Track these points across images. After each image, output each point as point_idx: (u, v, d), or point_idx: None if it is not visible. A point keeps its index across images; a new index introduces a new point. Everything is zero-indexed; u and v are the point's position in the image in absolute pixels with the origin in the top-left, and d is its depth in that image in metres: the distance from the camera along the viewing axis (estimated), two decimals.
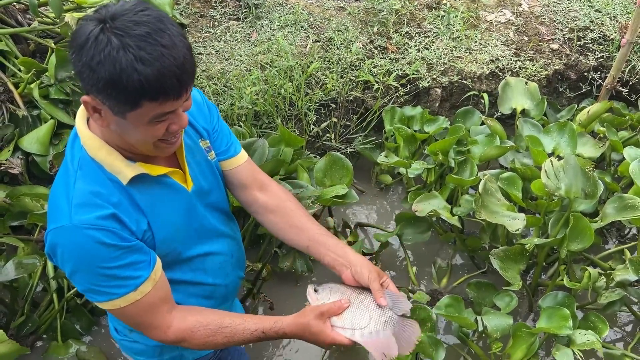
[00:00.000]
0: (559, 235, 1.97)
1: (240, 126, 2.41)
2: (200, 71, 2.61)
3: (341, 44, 2.77)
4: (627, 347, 2.02)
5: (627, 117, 2.60)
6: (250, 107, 2.37)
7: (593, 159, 2.41)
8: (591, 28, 3.05)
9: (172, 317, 1.16)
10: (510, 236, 2.16)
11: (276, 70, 2.50)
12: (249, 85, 2.40)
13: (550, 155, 2.37)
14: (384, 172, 2.69)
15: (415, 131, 2.61)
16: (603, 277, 1.93)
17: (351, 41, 2.79)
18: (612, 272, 1.91)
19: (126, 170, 1.10)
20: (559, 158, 2.07)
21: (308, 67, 2.60)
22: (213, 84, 2.53)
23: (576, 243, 1.95)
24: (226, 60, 2.67)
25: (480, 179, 1.97)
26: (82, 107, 1.12)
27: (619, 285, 1.94)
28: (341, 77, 2.62)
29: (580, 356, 1.67)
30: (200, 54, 2.71)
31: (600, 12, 3.11)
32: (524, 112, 2.74)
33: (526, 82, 2.70)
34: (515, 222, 1.83)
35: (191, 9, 2.93)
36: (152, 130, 1.04)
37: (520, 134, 2.52)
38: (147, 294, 1.11)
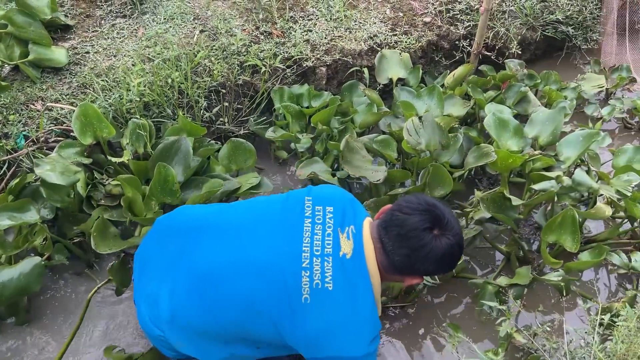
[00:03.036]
0: None
1: (137, 118, 2.48)
2: (89, 69, 2.67)
3: (227, 31, 2.91)
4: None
5: (488, 78, 2.91)
6: (138, 99, 2.47)
7: (459, 118, 2.68)
8: (459, 0, 3.34)
9: None
10: (387, 190, 2.39)
11: (162, 61, 2.61)
12: (135, 78, 2.50)
13: None
14: (280, 149, 2.86)
15: (303, 107, 2.80)
16: (463, 217, 2.20)
17: (237, 29, 2.94)
18: (470, 211, 2.18)
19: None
20: (420, 118, 2.32)
21: (195, 56, 2.72)
22: (102, 80, 2.60)
23: (438, 189, 2.20)
24: (114, 56, 2.75)
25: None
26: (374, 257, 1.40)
27: (478, 222, 2.22)
28: (226, 63, 2.76)
29: None
30: (87, 52, 2.77)
31: None
32: (403, 82, 3.00)
33: (400, 53, 2.95)
34: (377, 173, 2.05)
35: (76, 10, 2.97)
36: None
37: (397, 101, 2.77)
38: None
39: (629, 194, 2.10)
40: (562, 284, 1.94)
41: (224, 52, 2.80)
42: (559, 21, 3.45)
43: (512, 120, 2.49)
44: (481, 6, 2.98)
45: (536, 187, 2.22)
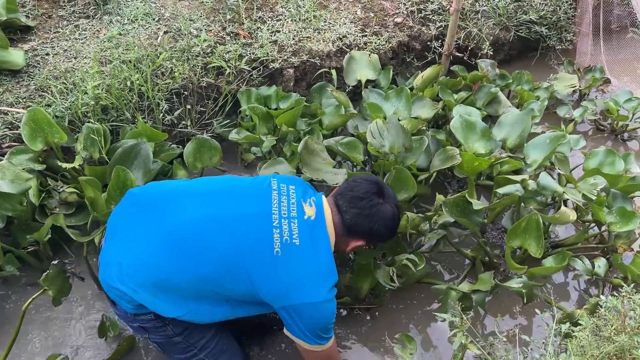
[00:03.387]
0: None
1: (92, 122, 2.42)
2: (47, 72, 2.59)
3: (190, 32, 2.84)
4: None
5: (458, 79, 2.86)
6: (94, 102, 2.40)
7: (428, 120, 2.63)
8: (431, 0, 3.29)
9: None
10: None
11: (121, 63, 2.54)
12: (92, 81, 2.42)
13: None
14: (246, 151, 2.80)
15: (270, 109, 2.73)
16: (427, 220, 2.15)
17: (201, 30, 2.87)
18: (434, 215, 2.13)
19: None
20: (385, 120, 2.26)
21: (157, 57, 2.65)
22: (60, 83, 2.53)
23: (402, 192, 2.15)
24: (74, 58, 2.67)
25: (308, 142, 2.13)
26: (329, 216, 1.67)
27: (442, 227, 2.17)
28: (189, 64, 2.69)
29: (393, 271, 1.93)
30: (47, 54, 2.69)
31: None
32: (374, 83, 2.94)
33: (369, 54, 2.90)
34: (337, 176, 2.00)
35: (38, 10, 2.89)
36: None
37: (365, 102, 2.71)
38: None
39: (594, 198, 2.05)
40: (523, 290, 1.90)
41: (186, 54, 2.73)
42: (532, 21, 3.42)
43: (479, 122, 2.44)
44: (451, 6, 2.93)
45: (500, 191, 2.17)
